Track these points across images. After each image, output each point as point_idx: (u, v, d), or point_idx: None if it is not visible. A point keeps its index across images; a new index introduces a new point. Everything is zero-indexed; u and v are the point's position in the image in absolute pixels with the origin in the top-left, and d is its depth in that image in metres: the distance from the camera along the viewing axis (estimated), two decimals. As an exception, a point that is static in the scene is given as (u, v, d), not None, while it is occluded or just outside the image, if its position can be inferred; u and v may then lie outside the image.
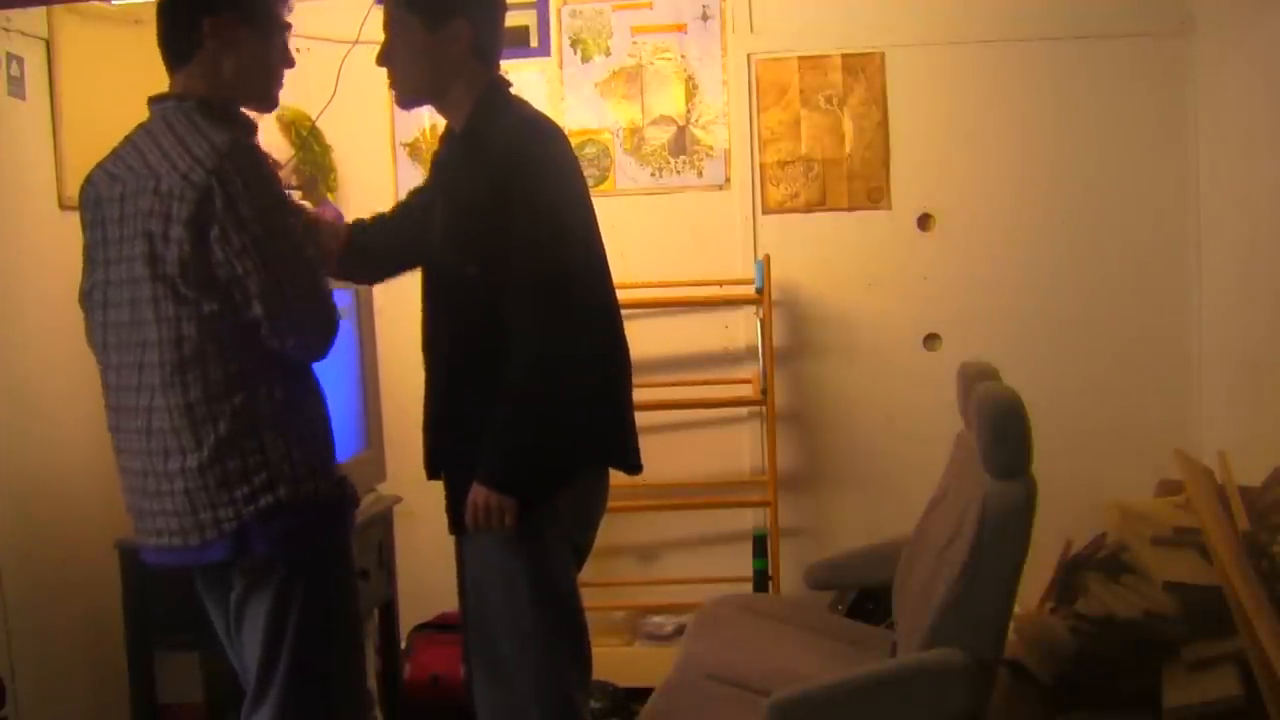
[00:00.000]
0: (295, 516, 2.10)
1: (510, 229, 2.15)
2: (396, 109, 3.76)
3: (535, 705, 2.24)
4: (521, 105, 2.31)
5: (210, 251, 2.00)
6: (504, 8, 2.36)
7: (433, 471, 2.38)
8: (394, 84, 2.30)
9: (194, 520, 2.08)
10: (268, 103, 2.22)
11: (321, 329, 2.09)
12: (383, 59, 2.28)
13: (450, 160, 2.34)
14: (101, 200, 2.13)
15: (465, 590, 2.39)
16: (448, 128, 2.38)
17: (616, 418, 2.36)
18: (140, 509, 2.16)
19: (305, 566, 2.14)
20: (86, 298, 2.19)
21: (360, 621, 2.34)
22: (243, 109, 2.18)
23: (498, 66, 2.33)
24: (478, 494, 2.18)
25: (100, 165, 2.17)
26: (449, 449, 2.33)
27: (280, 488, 2.07)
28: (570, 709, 2.28)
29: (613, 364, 2.34)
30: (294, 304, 2.04)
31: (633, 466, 2.39)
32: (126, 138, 2.16)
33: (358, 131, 3.77)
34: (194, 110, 2.08)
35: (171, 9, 2.14)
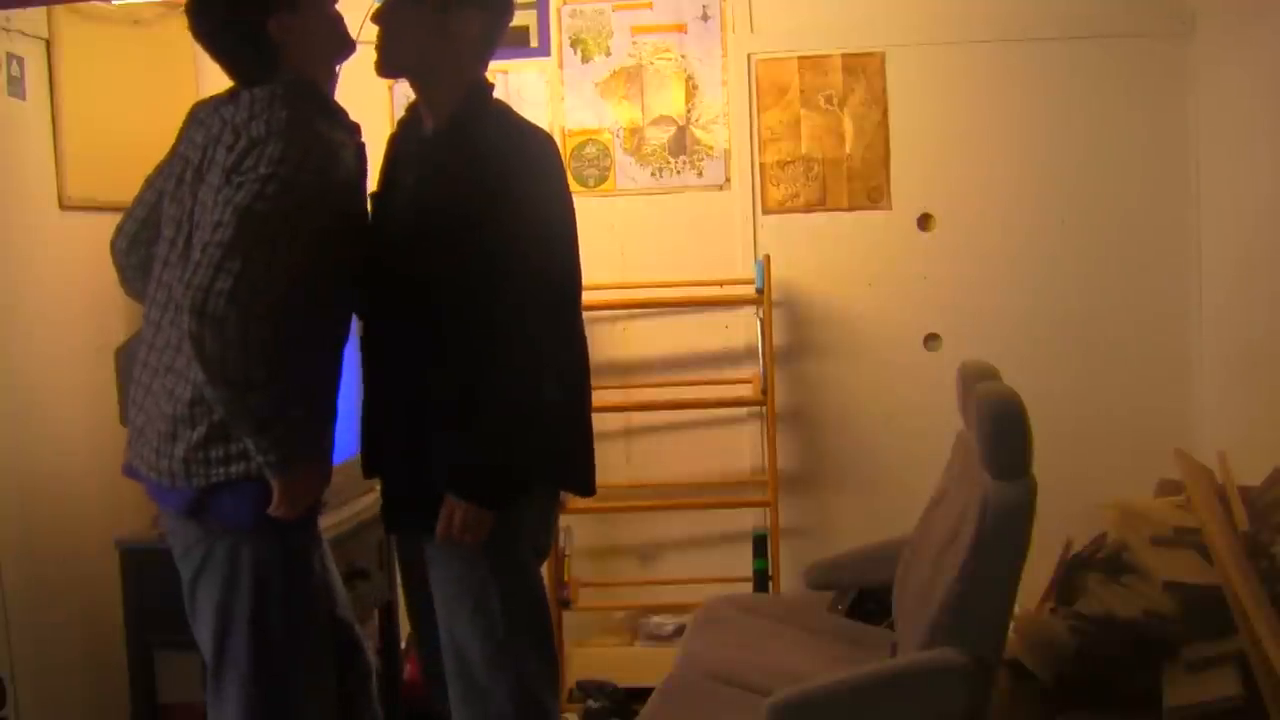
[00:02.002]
0: (257, 492, 2.12)
1: (496, 233, 2.11)
2: (398, 111, 3.76)
3: (513, 716, 2.23)
4: (509, 110, 2.29)
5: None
6: (511, 17, 2.34)
7: (371, 471, 2.35)
8: (382, 47, 2.22)
9: (167, 463, 2.13)
10: (349, 46, 2.25)
11: (212, 345, 2.00)
12: (379, 18, 2.21)
13: (427, 156, 2.26)
14: (190, 140, 2.19)
15: (419, 602, 2.37)
16: (410, 118, 2.34)
17: (583, 433, 2.34)
18: (135, 426, 2.21)
19: (256, 549, 2.16)
20: (145, 205, 2.26)
21: (321, 617, 2.33)
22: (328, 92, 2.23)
23: (485, 69, 2.31)
24: (454, 507, 2.14)
25: (208, 102, 2.23)
26: (401, 449, 2.27)
27: (253, 461, 2.09)
28: (547, 714, 2.28)
29: (585, 380, 2.33)
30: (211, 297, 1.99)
31: (590, 488, 2.37)
32: (222, 96, 2.21)
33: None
34: (286, 89, 2.12)
35: (233, 34, 2.14)
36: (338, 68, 2.29)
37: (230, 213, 2.00)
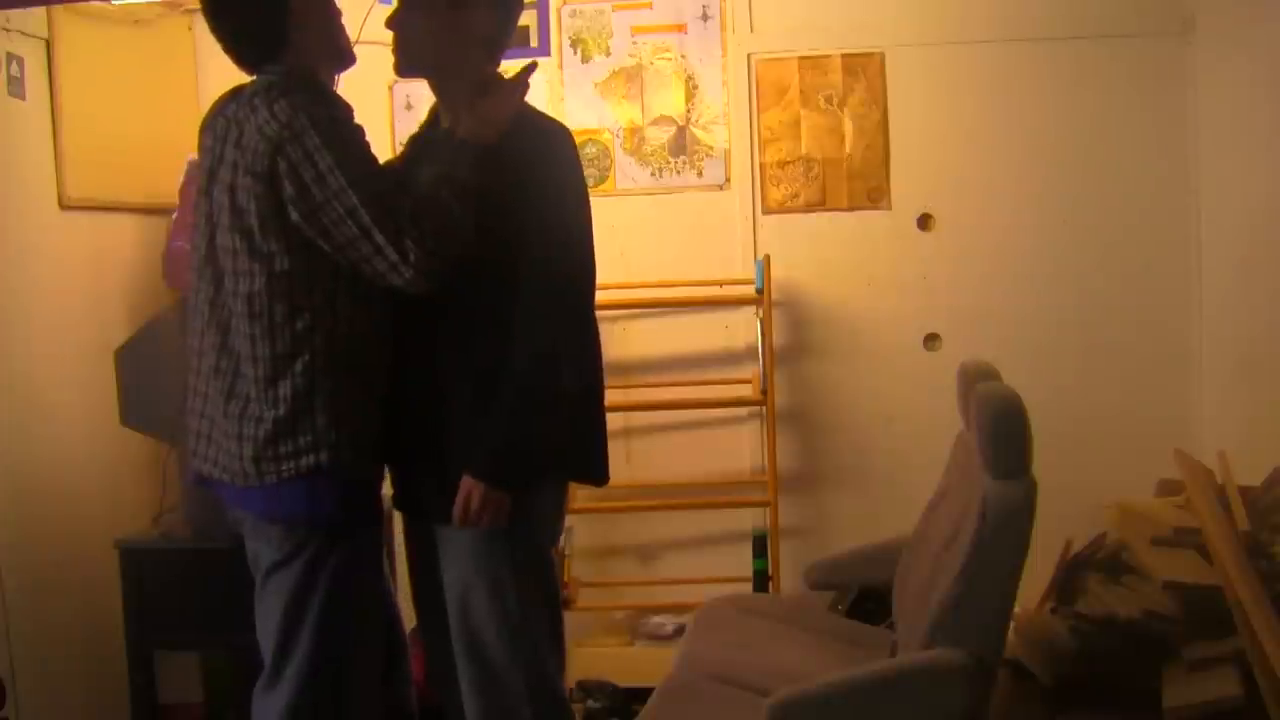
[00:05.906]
0: (331, 485, 2.13)
1: (518, 224, 2.14)
2: (398, 111, 3.77)
3: (528, 703, 2.24)
4: (525, 105, 2.30)
5: (285, 209, 2.04)
6: (521, 11, 2.37)
7: (388, 456, 2.32)
8: (398, 49, 2.27)
9: (239, 464, 2.13)
10: (349, 57, 2.29)
11: (423, 257, 2.06)
12: (393, 22, 2.25)
13: (445, 151, 2.26)
14: (203, 146, 2.20)
15: (426, 592, 2.38)
16: (435, 114, 2.37)
17: (596, 421, 2.37)
18: (199, 433, 2.22)
19: (334, 547, 2.17)
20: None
21: (380, 615, 2.35)
22: (326, 82, 2.24)
23: (498, 65, 2.34)
24: (471, 488, 2.14)
25: (212, 110, 2.24)
26: (420, 435, 2.27)
27: (322, 453, 2.10)
28: (560, 700, 2.29)
29: (598, 369, 2.36)
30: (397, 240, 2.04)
31: (604, 476, 2.39)
32: (224, 97, 2.21)
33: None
34: (282, 78, 2.12)
35: (250, 11, 2.15)
36: (338, 76, 2.32)
37: (336, 201, 2.03)
